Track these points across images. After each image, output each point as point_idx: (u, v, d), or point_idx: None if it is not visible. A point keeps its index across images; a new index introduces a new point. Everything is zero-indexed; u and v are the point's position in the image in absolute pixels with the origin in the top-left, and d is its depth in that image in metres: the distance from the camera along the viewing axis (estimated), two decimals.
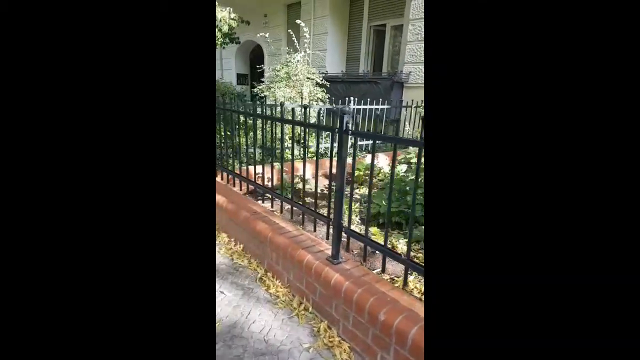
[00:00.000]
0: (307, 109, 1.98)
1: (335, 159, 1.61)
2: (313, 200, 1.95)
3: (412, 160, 3.28)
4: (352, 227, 1.72)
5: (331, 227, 1.72)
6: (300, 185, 2.60)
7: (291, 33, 5.12)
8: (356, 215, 2.31)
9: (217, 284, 1.89)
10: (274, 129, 2.23)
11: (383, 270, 1.56)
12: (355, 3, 6.54)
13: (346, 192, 1.76)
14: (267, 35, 5.75)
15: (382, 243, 1.51)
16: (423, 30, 4.89)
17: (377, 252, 1.65)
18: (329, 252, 1.71)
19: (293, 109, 2.08)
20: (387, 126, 4.64)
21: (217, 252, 2.24)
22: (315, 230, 1.99)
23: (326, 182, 3.27)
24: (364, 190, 2.82)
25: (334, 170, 1.68)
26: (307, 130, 1.99)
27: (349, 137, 1.51)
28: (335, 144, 1.56)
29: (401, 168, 3.03)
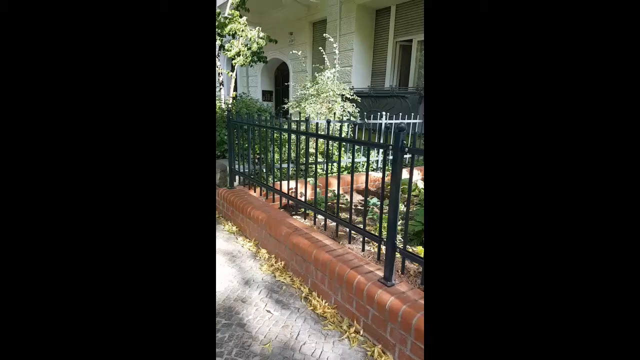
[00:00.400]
0: (356, 126, 1.97)
1: (374, 174, 1.57)
2: (351, 216, 1.92)
3: None
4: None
5: (383, 246, 1.68)
6: (335, 201, 2.57)
7: (321, 49, 5.21)
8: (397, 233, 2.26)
9: (262, 302, 1.87)
10: (308, 145, 2.22)
11: None
12: (381, 19, 6.61)
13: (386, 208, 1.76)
14: (299, 52, 5.88)
15: None
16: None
17: None
18: (379, 272, 1.67)
19: (341, 126, 2.07)
20: (418, 140, 4.59)
21: (259, 269, 2.23)
22: (363, 250, 1.95)
23: (360, 197, 3.24)
24: (402, 208, 2.76)
25: (368, 186, 1.64)
26: (348, 145, 1.97)
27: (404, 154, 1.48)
28: (375, 158, 1.53)
29: None
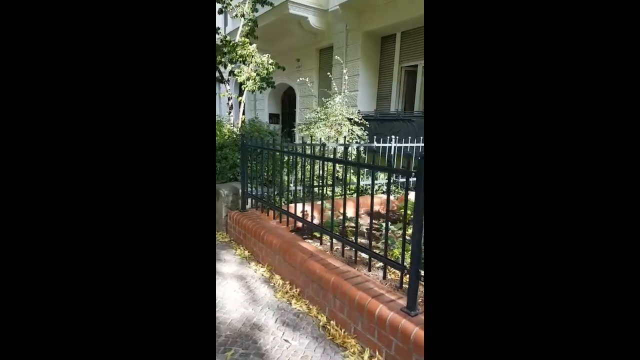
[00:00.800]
0: (366, 149, 1.98)
1: (382, 197, 1.57)
2: (371, 242, 1.89)
3: None
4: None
5: (406, 275, 1.65)
6: (346, 223, 2.55)
7: (330, 75, 5.33)
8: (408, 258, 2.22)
9: (279, 330, 1.82)
10: (324, 169, 2.23)
11: None
12: (387, 45, 6.79)
13: (398, 232, 1.75)
14: (307, 79, 6.04)
15: None
16: None
17: None
18: (401, 301, 1.63)
19: (358, 151, 2.09)
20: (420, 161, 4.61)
21: (273, 296, 2.18)
22: (385, 278, 1.91)
23: (369, 219, 3.21)
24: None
25: (375, 208, 1.63)
26: (364, 170, 1.97)
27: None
28: (383, 181, 1.53)
29: None
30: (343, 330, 1.81)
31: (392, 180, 3.28)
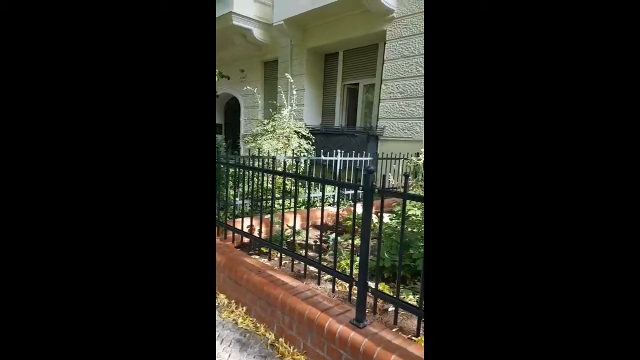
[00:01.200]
0: (313, 162, 2.01)
1: (330, 209, 1.61)
2: (321, 255, 1.91)
3: (395, 209, 3.37)
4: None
5: (354, 287, 1.68)
6: (291, 238, 2.54)
7: (279, 88, 5.33)
8: (355, 269, 2.27)
9: (225, 352, 1.72)
10: (274, 183, 2.21)
11: (418, 334, 1.52)
12: (330, 63, 7.04)
13: (345, 243, 1.80)
14: (255, 90, 5.98)
15: (415, 304, 1.50)
16: (396, 88, 5.33)
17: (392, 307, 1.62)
18: (350, 313, 1.65)
19: (308, 163, 2.10)
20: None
21: (218, 317, 2.07)
22: (334, 291, 1.92)
23: (317, 232, 3.24)
24: (357, 242, 2.81)
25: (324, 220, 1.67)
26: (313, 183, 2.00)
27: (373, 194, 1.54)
28: (331, 193, 1.57)
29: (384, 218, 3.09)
30: (292, 347, 1.78)
31: (340, 193, 3.34)
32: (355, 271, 1.67)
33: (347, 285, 1.82)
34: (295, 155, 4.00)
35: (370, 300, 1.70)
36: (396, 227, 2.78)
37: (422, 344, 1.46)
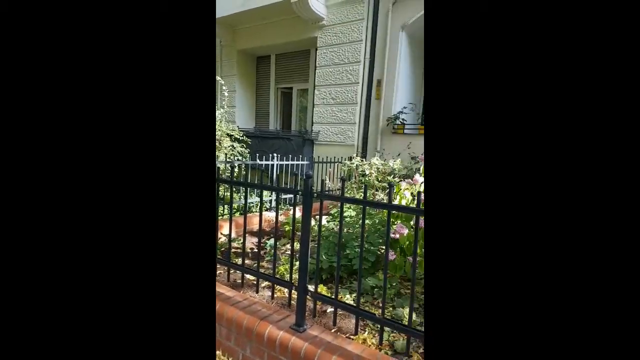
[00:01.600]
0: (248, 166, 1.96)
1: (267, 214, 1.62)
2: (259, 262, 1.87)
3: (332, 211, 3.47)
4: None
5: (294, 292, 1.68)
6: (227, 246, 2.45)
7: None
8: (295, 273, 2.27)
9: None
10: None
11: (356, 333, 1.57)
12: (262, 67, 6.96)
13: (283, 248, 1.80)
14: None
15: (352, 304, 1.54)
16: (328, 95, 5.49)
17: (330, 309, 1.66)
18: (290, 319, 1.65)
19: (242, 167, 2.04)
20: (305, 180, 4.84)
21: None
22: (273, 298, 1.89)
23: (254, 239, 3.16)
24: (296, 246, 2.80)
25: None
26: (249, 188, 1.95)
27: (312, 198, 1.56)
28: (268, 198, 1.58)
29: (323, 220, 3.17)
30: (230, 359, 1.70)
31: (278, 198, 3.31)
32: (295, 275, 1.67)
33: (287, 290, 1.81)
34: (229, 160, 3.86)
35: (310, 303, 1.71)
36: (333, 228, 2.85)
37: (361, 342, 1.52)
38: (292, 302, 1.78)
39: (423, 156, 2.47)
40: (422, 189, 2.33)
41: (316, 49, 5.66)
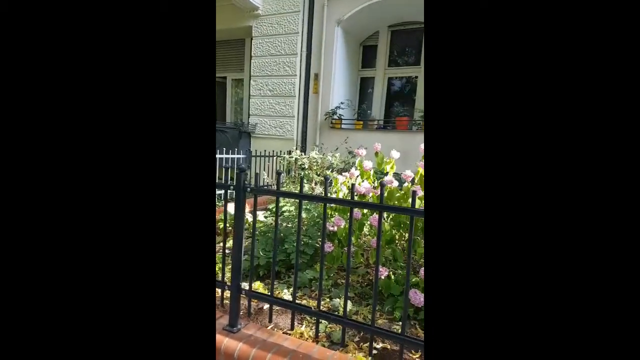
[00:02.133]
0: None
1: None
2: None
3: (270, 206, 3.41)
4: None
5: (227, 291, 1.59)
6: None
7: None
8: (228, 272, 2.18)
9: None
10: None
11: (292, 328, 1.55)
12: None
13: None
14: None
15: (289, 299, 1.51)
16: (265, 86, 5.35)
17: (267, 306, 1.62)
18: (223, 319, 1.57)
19: None
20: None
21: None
22: None
23: None
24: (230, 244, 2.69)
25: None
26: None
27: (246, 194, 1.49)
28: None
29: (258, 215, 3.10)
30: None
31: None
32: (228, 274, 1.59)
33: (220, 291, 1.72)
34: None
35: (245, 302, 1.65)
36: (271, 224, 2.80)
37: (298, 337, 1.50)
38: (226, 301, 1.70)
39: (359, 150, 2.53)
40: (356, 182, 2.39)
41: (251, 39, 5.48)
